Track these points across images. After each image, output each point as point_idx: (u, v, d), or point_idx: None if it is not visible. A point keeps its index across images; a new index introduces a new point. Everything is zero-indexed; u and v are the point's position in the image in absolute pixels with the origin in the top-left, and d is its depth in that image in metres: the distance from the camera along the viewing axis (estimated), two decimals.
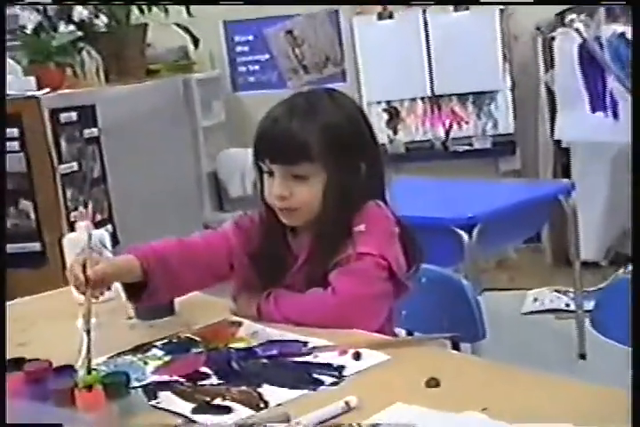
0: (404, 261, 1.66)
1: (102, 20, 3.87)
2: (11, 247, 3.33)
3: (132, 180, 3.77)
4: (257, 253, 1.70)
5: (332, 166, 1.62)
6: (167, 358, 1.48)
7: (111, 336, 1.68)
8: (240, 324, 1.59)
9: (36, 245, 3.30)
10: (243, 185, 4.58)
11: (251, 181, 4.54)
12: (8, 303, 2.05)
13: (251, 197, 4.95)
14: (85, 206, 3.16)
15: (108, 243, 1.93)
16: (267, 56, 4.97)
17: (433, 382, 1.27)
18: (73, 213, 3.25)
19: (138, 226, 3.70)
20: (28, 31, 3.79)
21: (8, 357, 1.48)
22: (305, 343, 1.46)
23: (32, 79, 3.35)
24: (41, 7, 3.81)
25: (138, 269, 1.61)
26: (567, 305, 3.80)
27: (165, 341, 1.56)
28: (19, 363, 1.42)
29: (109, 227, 3.46)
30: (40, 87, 3.34)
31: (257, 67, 5.00)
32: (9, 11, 4.35)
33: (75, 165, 3.37)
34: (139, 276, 1.62)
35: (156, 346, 1.54)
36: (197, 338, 1.56)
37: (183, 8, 4.31)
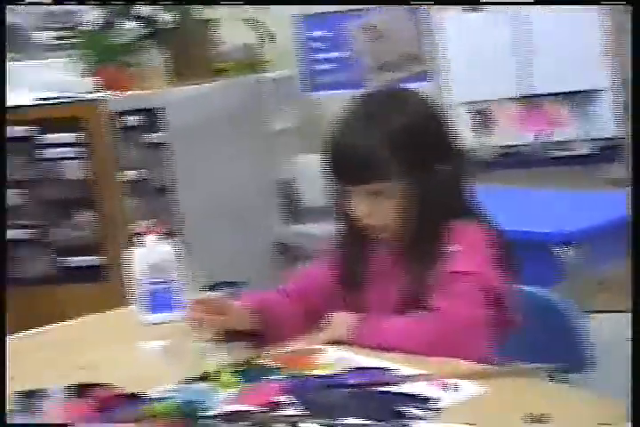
0: (508, 286, 1.65)
1: (168, 15, 3.93)
2: (69, 261, 3.41)
3: (199, 188, 3.80)
4: (342, 269, 1.75)
5: (405, 180, 1.63)
6: (241, 386, 1.48)
7: (181, 360, 1.70)
8: (322, 349, 1.60)
9: (97, 259, 3.36)
10: (319, 194, 4.58)
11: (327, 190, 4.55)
12: (67, 322, 2.10)
13: (328, 208, 5.00)
14: (151, 218, 3.20)
15: (175, 258, 1.96)
16: (344, 53, 4.98)
17: (534, 418, 1.25)
18: (136, 225, 3.29)
19: (205, 239, 3.73)
20: (90, 28, 3.87)
21: (70, 381, 1.51)
22: (394, 372, 1.46)
23: (93, 80, 3.42)
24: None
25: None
26: None
27: (240, 366, 1.57)
28: (83, 389, 1.44)
29: (174, 240, 3.50)
30: (103, 89, 3.41)
31: (334, 65, 5.02)
32: (68, 7, 4.46)
33: (139, 173, 3.42)
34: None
35: (229, 372, 1.55)
36: (275, 364, 1.57)
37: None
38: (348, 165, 1.66)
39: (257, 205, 4.41)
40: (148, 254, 1.93)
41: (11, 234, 3.48)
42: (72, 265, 3.42)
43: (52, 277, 3.47)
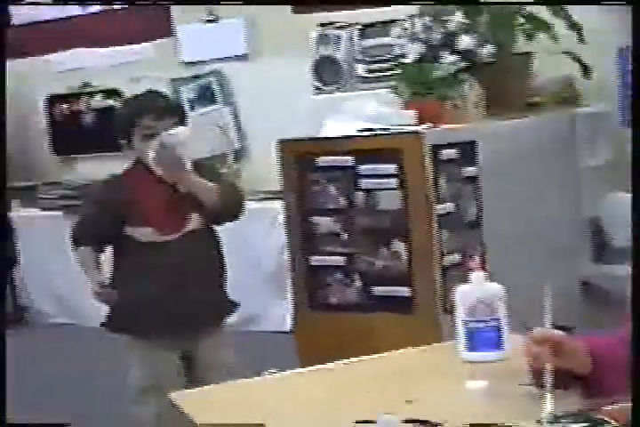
0: None
1: (487, 49, 3.92)
2: (379, 290, 3.46)
3: (505, 224, 3.75)
4: None
5: None
6: None
7: (502, 404, 1.66)
8: None
9: (406, 290, 3.38)
10: (630, 235, 4.40)
11: None
12: (385, 354, 2.11)
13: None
14: (461, 252, 3.19)
15: (502, 296, 1.93)
16: None
17: None
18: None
19: (507, 275, 3.65)
20: (408, 61, 3.94)
21: (397, 415, 1.52)
22: None
23: (413, 113, 3.47)
24: (422, 37, 3.94)
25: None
26: None
27: (577, 417, 1.51)
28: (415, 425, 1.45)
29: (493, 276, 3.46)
30: (421, 121, 3.45)
31: None
32: (385, 39, 4.58)
33: (451, 206, 3.43)
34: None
35: (557, 422, 1.48)
36: (607, 418, 1.49)
37: (574, 34, 4.24)
38: None
39: (564, 242, 4.29)
40: (475, 291, 1.91)
41: (323, 260, 3.59)
42: (381, 295, 3.46)
43: (359, 305, 3.53)
